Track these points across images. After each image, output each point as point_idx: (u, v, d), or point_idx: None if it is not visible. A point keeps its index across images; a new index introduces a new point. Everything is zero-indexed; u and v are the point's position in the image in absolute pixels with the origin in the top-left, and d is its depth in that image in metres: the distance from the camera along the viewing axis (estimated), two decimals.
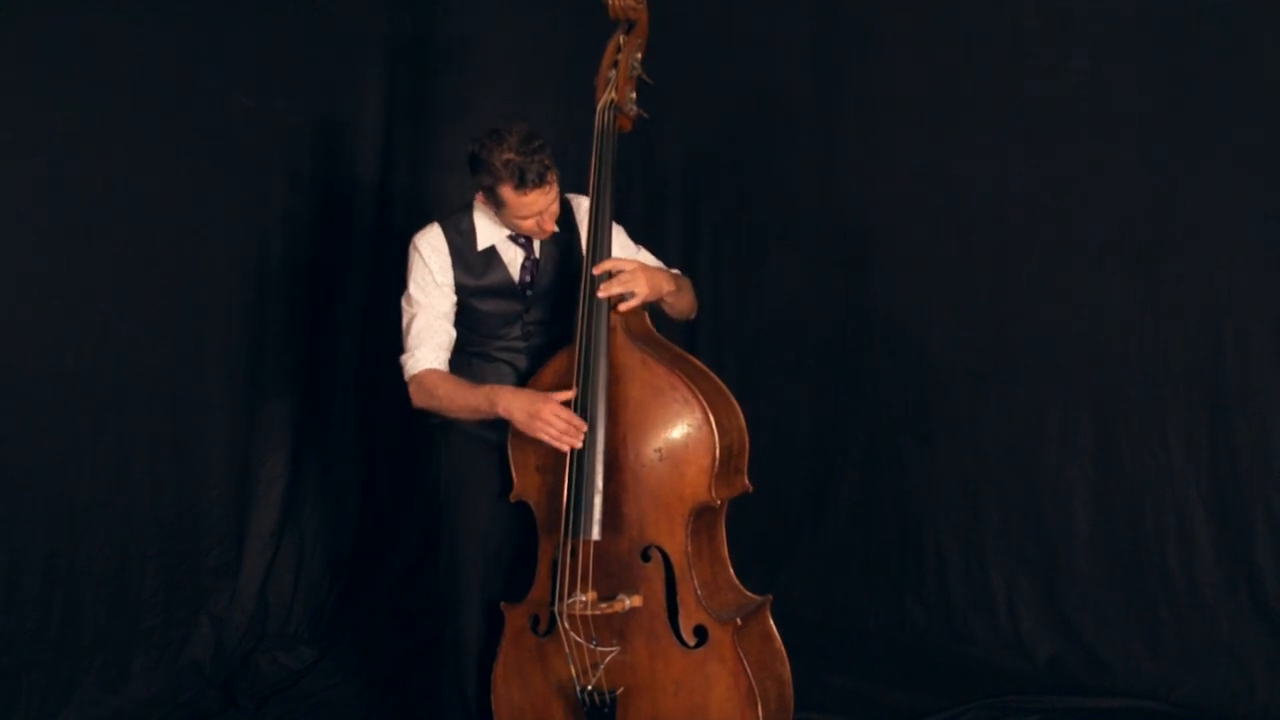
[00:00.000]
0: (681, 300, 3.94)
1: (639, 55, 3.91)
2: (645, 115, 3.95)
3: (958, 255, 5.26)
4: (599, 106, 3.87)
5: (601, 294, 3.66)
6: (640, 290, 3.69)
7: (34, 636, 4.47)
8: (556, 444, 3.63)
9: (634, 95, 3.90)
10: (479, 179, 3.73)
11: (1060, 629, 5.04)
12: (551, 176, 3.70)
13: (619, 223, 4.01)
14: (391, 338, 5.59)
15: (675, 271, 4.11)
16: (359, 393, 5.75)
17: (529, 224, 3.79)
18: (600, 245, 3.75)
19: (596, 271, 3.70)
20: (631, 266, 3.71)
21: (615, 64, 3.88)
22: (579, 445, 3.62)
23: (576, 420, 3.62)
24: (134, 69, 4.73)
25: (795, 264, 5.77)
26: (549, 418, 3.62)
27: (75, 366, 4.58)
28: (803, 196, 5.73)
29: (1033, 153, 5.03)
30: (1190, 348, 4.72)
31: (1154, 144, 4.76)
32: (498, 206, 3.77)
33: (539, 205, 3.72)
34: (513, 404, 3.71)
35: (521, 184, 3.65)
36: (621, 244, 4.07)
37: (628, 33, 3.91)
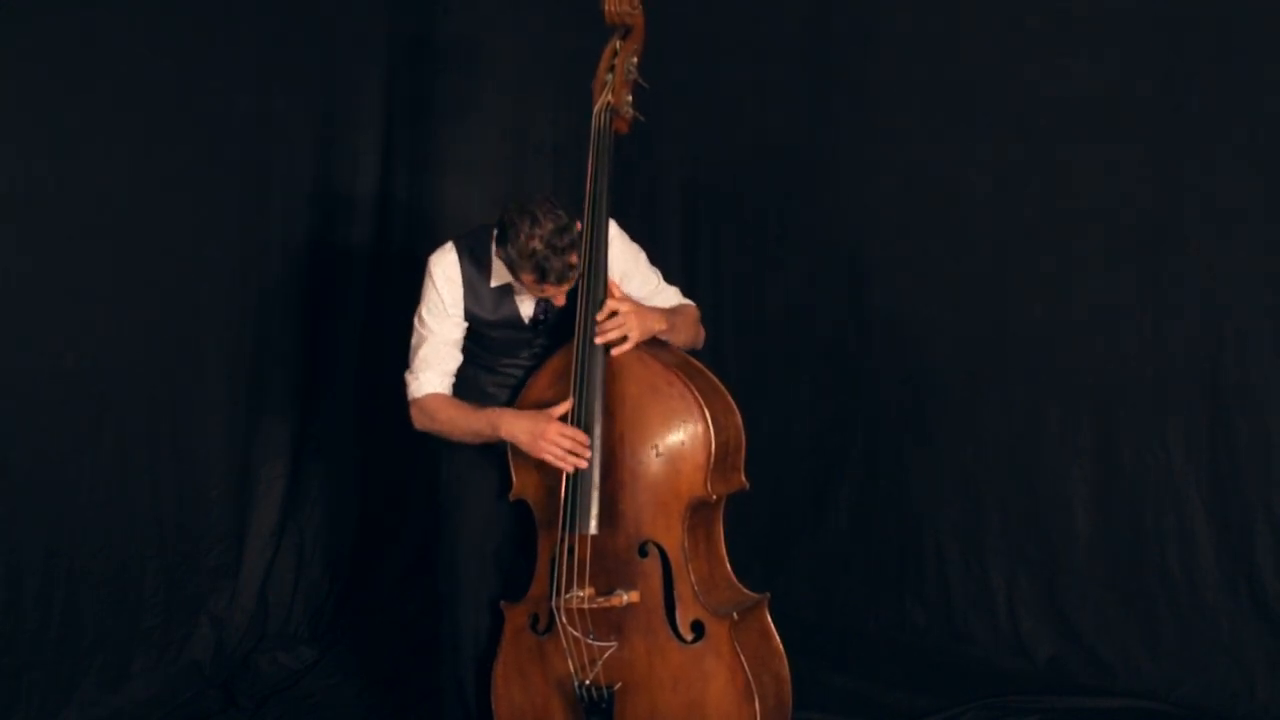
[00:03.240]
0: (675, 336, 3.93)
1: (635, 59, 3.94)
2: (641, 118, 3.98)
3: (958, 255, 5.26)
4: (595, 109, 3.90)
5: (599, 340, 3.69)
6: (633, 335, 3.71)
7: (34, 636, 4.47)
8: (560, 464, 3.65)
9: (630, 98, 3.93)
10: (503, 250, 3.67)
11: (1060, 629, 5.03)
12: (573, 275, 3.66)
13: (633, 240, 4.05)
14: (392, 339, 5.59)
15: (688, 303, 4.14)
16: (359, 393, 5.75)
17: (543, 296, 3.79)
18: (597, 244, 3.78)
19: (599, 317, 3.71)
20: (626, 309, 3.72)
21: (612, 68, 3.92)
22: (584, 465, 3.64)
23: (581, 438, 3.64)
24: (134, 69, 4.74)
25: (795, 264, 5.76)
26: (554, 437, 3.65)
27: (75, 366, 4.59)
28: (803, 197, 5.72)
29: (1032, 153, 5.03)
30: (1190, 348, 4.71)
31: (1154, 144, 4.75)
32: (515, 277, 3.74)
33: (552, 293, 3.72)
34: (515, 427, 3.74)
35: (541, 279, 3.62)
36: (644, 276, 4.07)
37: (624, 38, 3.95)
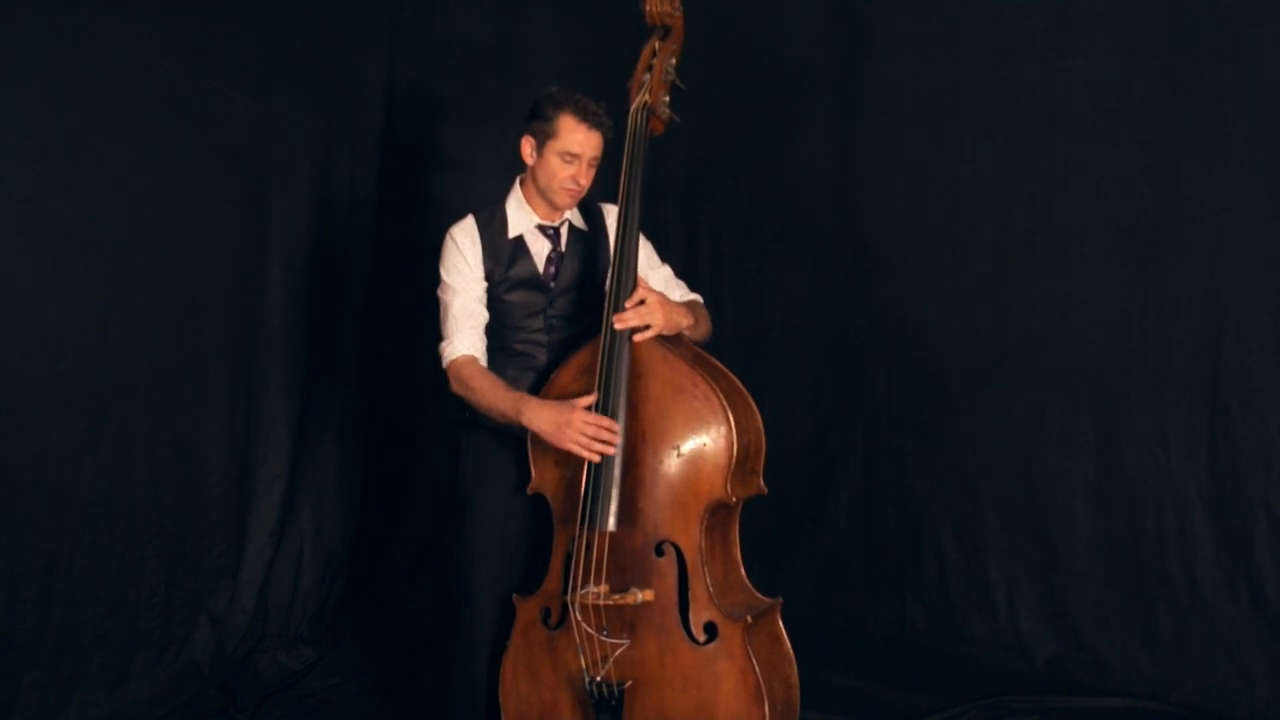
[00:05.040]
0: (697, 332, 3.97)
1: (674, 61, 3.93)
2: (677, 119, 3.97)
3: (958, 255, 5.28)
4: (632, 108, 3.90)
5: (619, 326, 3.68)
6: (656, 324, 3.70)
7: (34, 636, 4.46)
8: (585, 453, 3.62)
9: (667, 99, 3.93)
10: (542, 111, 3.84)
11: (1060, 629, 5.05)
12: (605, 129, 3.84)
13: (644, 234, 4.04)
14: (394, 339, 5.61)
15: (695, 297, 4.16)
16: (360, 392, 5.76)
17: (568, 171, 3.84)
18: (628, 242, 3.78)
19: (628, 304, 3.71)
20: (653, 299, 3.72)
21: (650, 68, 3.91)
22: (611, 453, 3.63)
23: (607, 423, 3.62)
24: (134, 69, 4.74)
25: (796, 264, 5.78)
26: (580, 425, 3.61)
27: (75, 366, 4.57)
28: (803, 197, 5.74)
29: (1033, 153, 5.06)
30: (1190, 348, 4.74)
31: (1154, 144, 4.79)
32: (544, 142, 3.84)
33: (586, 147, 3.82)
34: (538, 416, 3.70)
35: (581, 115, 3.78)
36: (648, 256, 4.10)
37: (663, 38, 3.93)
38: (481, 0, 6.04)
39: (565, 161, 3.82)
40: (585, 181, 3.88)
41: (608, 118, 3.82)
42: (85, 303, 4.62)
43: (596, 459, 3.62)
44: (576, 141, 3.79)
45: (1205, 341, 4.71)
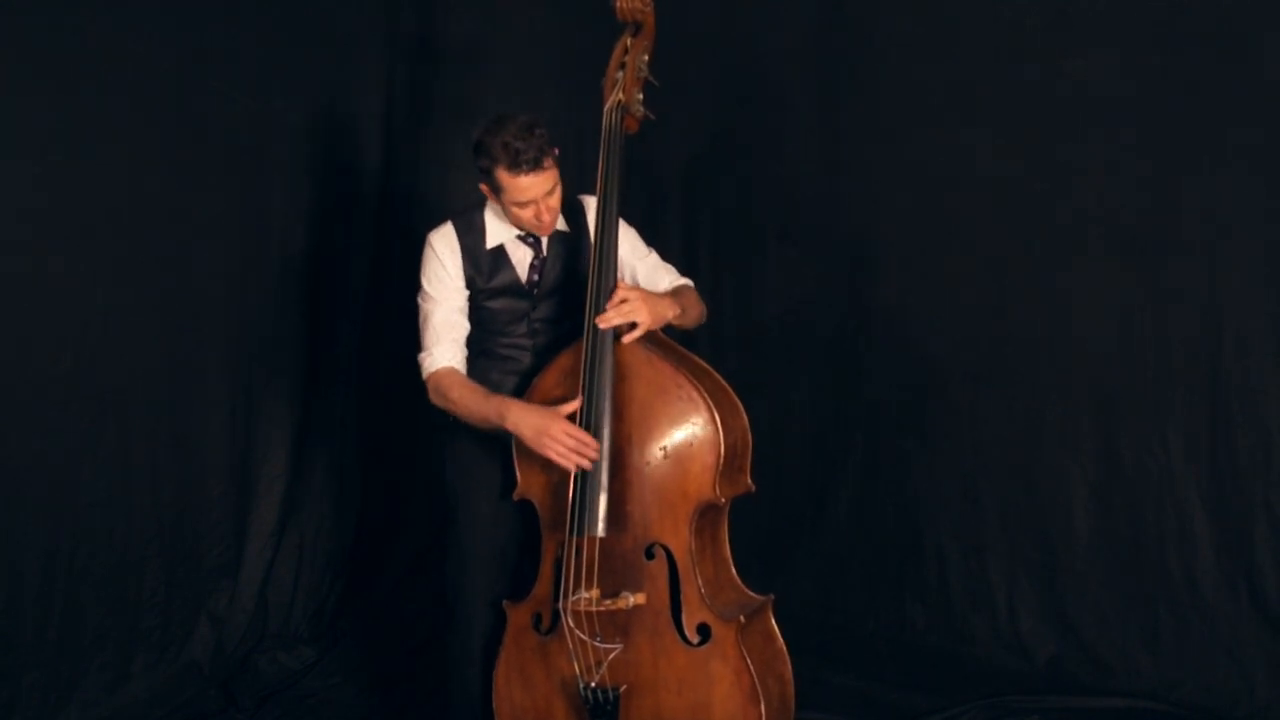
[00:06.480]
0: (687, 319, 3.96)
1: (646, 57, 3.93)
2: (651, 117, 3.97)
3: (958, 255, 5.26)
4: (606, 107, 3.88)
5: (603, 325, 3.67)
6: (643, 320, 3.69)
7: (34, 636, 4.47)
8: (563, 462, 3.62)
9: (641, 96, 3.92)
10: (479, 163, 3.74)
11: (1060, 629, 5.03)
12: (548, 163, 3.71)
13: (627, 224, 4.03)
14: (392, 338, 5.60)
15: (686, 282, 4.13)
16: (360, 392, 5.76)
17: (528, 213, 3.80)
18: (607, 245, 3.77)
19: (608, 307, 3.69)
20: (635, 296, 3.71)
21: (623, 65, 3.90)
22: (588, 466, 3.62)
23: (586, 438, 3.61)
24: (134, 69, 4.73)
25: (795, 263, 5.77)
26: (559, 435, 3.62)
27: (75, 366, 4.58)
28: (803, 196, 5.73)
29: (1033, 153, 5.03)
30: (1190, 348, 4.71)
31: (1154, 144, 4.75)
32: (496, 192, 3.79)
33: (534, 191, 3.73)
34: (522, 420, 3.71)
35: (515, 165, 3.66)
36: (631, 244, 4.08)
37: (635, 35, 3.92)
38: (480, 0, 6.03)
39: (521, 207, 3.79)
40: (550, 215, 3.83)
41: (545, 152, 3.70)
42: (85, 303, 4.62)
43: (574, 469, 3.63)
44: (521, 190, 3.72)
45: (1205, 341, 4.68)
